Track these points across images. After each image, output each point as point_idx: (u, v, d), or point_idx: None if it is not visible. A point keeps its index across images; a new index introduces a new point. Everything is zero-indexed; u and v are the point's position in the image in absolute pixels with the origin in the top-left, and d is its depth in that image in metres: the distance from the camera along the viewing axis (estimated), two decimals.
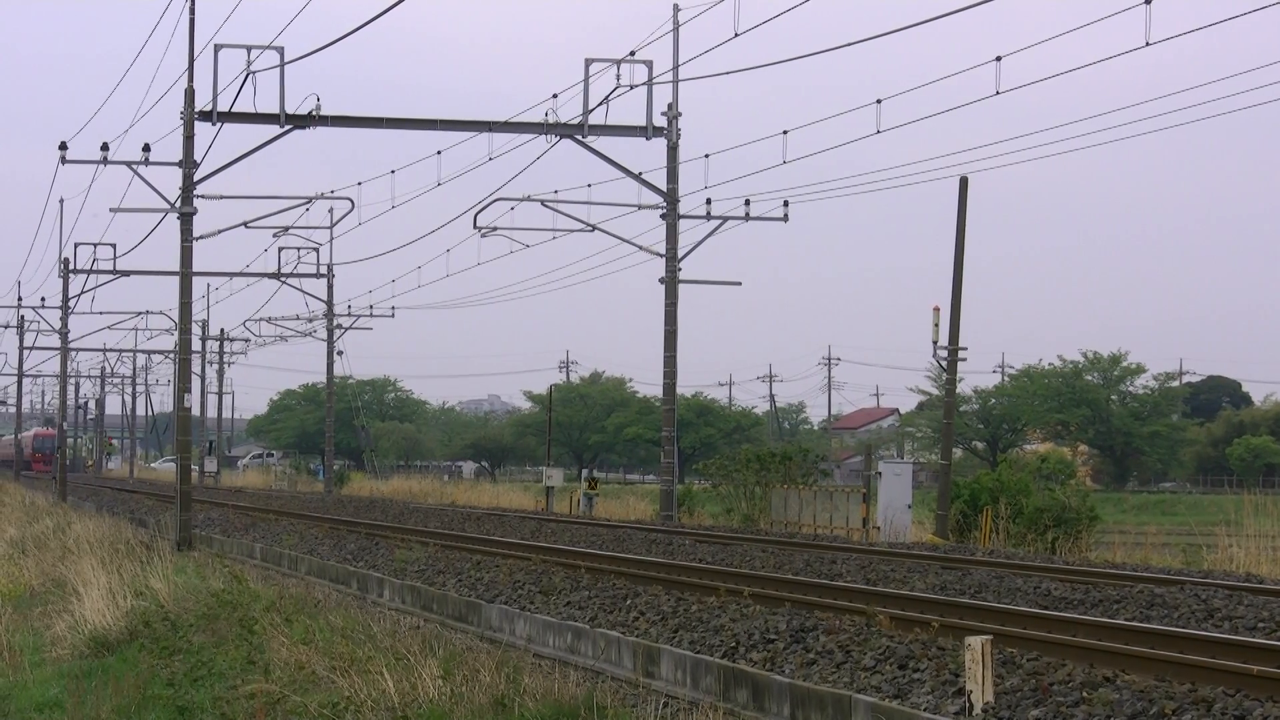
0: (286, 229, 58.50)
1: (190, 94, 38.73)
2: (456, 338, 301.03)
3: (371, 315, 76.96)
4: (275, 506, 55.55)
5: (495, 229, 49.93)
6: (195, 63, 38.44)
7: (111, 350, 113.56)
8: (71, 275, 69.06)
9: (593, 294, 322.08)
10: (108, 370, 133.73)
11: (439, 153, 44.87)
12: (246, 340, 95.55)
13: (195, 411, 74.09)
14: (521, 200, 49.13)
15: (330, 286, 76.34)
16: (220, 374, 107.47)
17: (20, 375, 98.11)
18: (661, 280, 47.58)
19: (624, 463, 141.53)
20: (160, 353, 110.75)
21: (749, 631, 17.41)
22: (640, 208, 48.19)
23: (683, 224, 47.90)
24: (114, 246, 62.71)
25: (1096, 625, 17.10)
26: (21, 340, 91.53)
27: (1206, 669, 13.91)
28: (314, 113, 40.57)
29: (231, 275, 71.66)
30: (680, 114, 46.29)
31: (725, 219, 48.73)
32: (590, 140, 44.43)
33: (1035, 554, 34.01)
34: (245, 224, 52.44)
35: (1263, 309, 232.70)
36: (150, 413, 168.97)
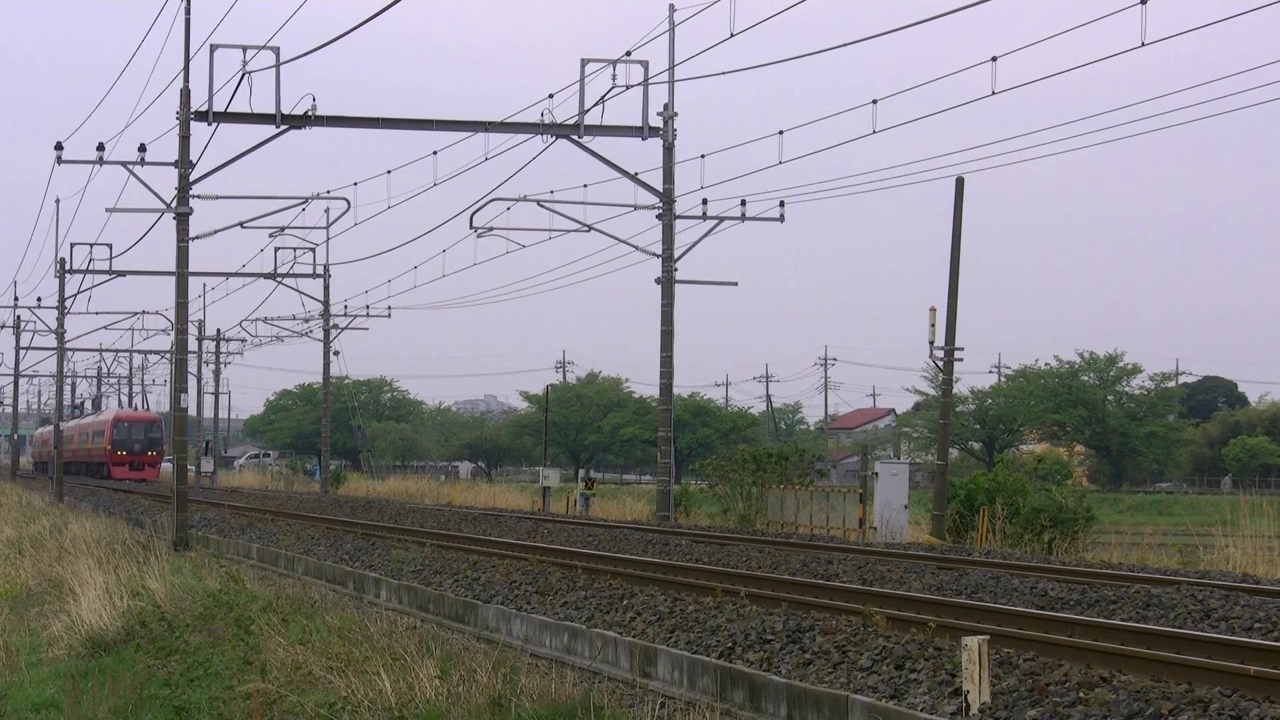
0: (283, 229, 58.54)
1: (186, 94, 38.71)
2: (453, 338, 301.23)
3: (368, 315, 76.93)
4: (272, 507, 55.52)
5: (491, 229, 49.88)
6: (191, 63, 38.49)
7: (108, 350, 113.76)
8: (68, 275, 69.10)
9: (589, 294, 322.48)
10: (104, 370, 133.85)
11: (435, 153, 44.91)
12: (243, 340, 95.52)
13: (192, 412, 74.03)
14: (517, 200, 49.12)
15: (326, 286, 76.30)
16: (216, 374, 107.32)
17: (16, 375, 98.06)
18: (658, 280, 47.55)
19: (620, 463, 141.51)
20: (157, 353, 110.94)
21: (746, 632, 17.41)
22: (636, 208, 48.19)
23: (679, 224, 47.90)
24: (110, 247, 62.96)
25: (1093, 625, 17.11)
26: (18, 340, 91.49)
27: (1203, 669, 13.92)
28: (310, 113, 40.55)
29: (228, 275, 71.67)
30: (676, 114, 46.27)
31: (721, 219, 48.72)
32: (586, 140, 44.45)
33: (1032, 554, 34.03)
34: (241, 224, 52.48)
35: (1259, 309, 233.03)
36: None
